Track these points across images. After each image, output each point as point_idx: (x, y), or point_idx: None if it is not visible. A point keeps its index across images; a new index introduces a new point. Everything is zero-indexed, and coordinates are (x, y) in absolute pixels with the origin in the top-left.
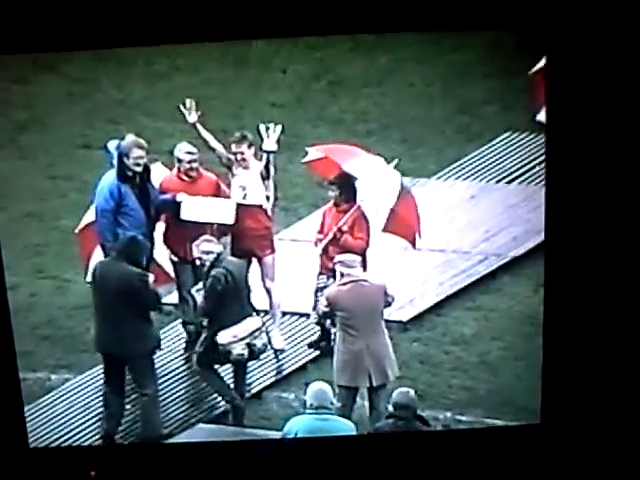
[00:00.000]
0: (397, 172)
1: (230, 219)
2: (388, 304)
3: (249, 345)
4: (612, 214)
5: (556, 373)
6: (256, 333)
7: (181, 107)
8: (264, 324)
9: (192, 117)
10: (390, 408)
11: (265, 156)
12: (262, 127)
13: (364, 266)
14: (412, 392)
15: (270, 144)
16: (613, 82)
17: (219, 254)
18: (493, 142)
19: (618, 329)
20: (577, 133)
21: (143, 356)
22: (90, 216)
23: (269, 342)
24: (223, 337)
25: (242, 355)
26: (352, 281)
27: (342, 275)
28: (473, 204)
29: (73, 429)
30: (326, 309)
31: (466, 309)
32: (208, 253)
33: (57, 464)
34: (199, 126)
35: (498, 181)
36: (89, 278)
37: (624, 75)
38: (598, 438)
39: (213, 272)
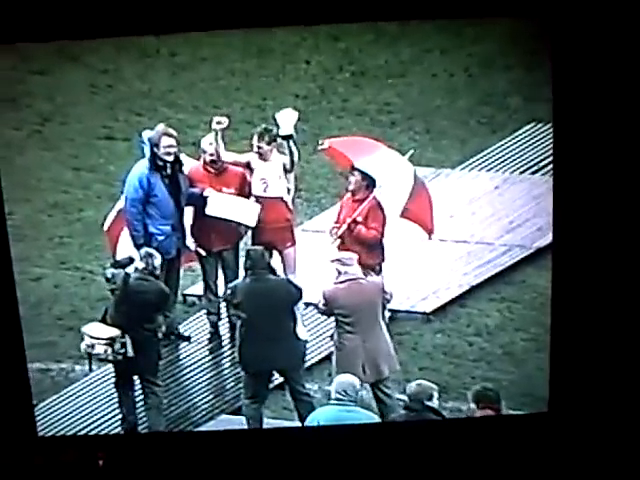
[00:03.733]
0: (410, 165)
1: (252, 222)
2: (387, 302)
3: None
4: (622, 208)
5: (564, 362)
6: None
7: (214, 120)
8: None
9: (218, 125)
10: (406, 399)
11: (286, 144)
12: (277, 115)
13: (382, 255)
14: (425, 383)
15: (286, 129)
16: (622, 74)
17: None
18: (517, 133)
19: (626, 321)
20: (584, 126)
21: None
22: (116, 209)
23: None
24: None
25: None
26: (349, 279)
27: (339, 273)
28: (497, 195)
29: (96, 420)
30: (324, 307)
31: (490, 300)
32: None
33: (66, 453)
34: (219, 135)
35: (522, 172)
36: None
37: (632, 67)
38: (605, 427)
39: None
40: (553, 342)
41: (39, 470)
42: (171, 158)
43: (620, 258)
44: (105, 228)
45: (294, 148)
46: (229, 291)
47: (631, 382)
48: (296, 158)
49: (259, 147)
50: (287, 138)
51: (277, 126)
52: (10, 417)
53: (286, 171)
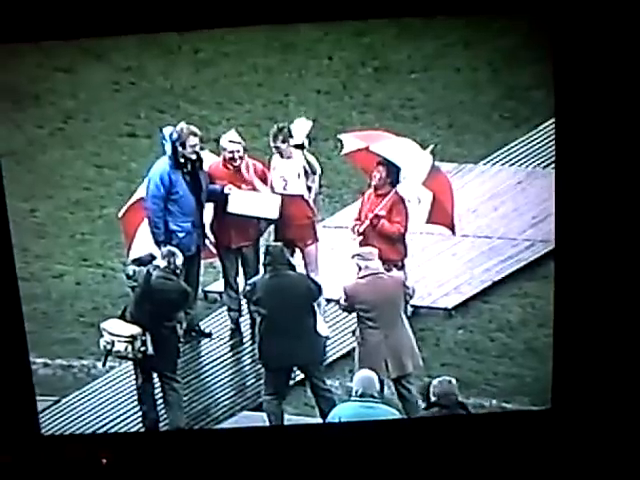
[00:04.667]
0: (429, 154)
1: (275, 214)
2: (409, 297)
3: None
4: (623, 204)
5: (567, 359)
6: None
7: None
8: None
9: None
10: (432, 397)
11: (301, 153)
12: (292, 125)
13: (405, 251)
14: (453, 380)
15: (298, 139)
16: (624, 71)
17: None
18: (540, 127)
19: (629, 318)
20: (587, 124)
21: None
22: (133, 199)
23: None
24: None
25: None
26: (370, 274)
27: (360, 268)
28: (520, 190)
29: (118, 416)
30: (345, 303)
31: (512, 296)
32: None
33: (70, 452)
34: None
35: (545, 167)
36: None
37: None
38: (608, 423)
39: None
40: (556, 339)
41: (43, 469)
42: (195, 157)
43: (622, 256)
44: (120, 215)
45: (311, 158)
46: (248, 287)
47: (634, 378)
48: (317, 168)
49: (277, 147)
50: (299, 147)
51: (290, 135)
52: (13, 416)
53: (307, 173)
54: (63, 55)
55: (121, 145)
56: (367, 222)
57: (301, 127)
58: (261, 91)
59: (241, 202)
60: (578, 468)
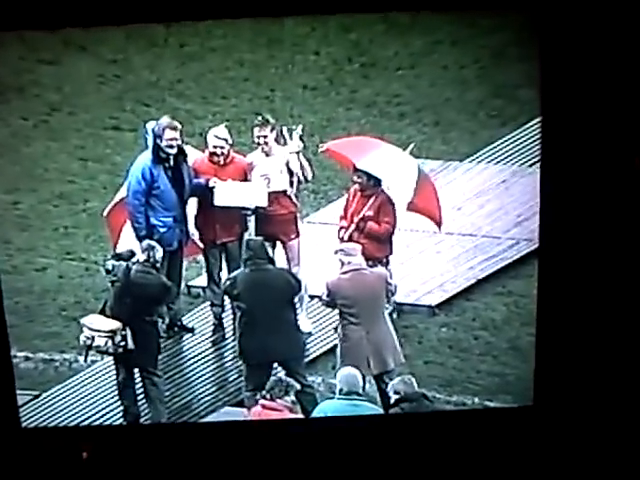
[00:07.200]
0: (413, 159)
1: (264, 202)
2: (391, 293)
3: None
4: (609, 204)
5: (549, 357)
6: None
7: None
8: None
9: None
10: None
11: (294, 156)
12: (284, 129)
13: (390, 249)
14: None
15: (294, 145)
16: (611, 68)
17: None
18: (527, 126)
19: (611, 318)
20: (573, 122)
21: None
22: (118, 197)
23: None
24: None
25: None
26: (353, 270)
27: (343, 263)
28: (505, 188)
29: (100, 410)
30: (327, 298)
31: (496, 294)
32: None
33: (50, 445)
34: None
35: (531, 165)
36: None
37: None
38: (589, 421)
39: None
40: (539, 337)
41: (23, 462)
42: (174, 151)
43: (605, 256)
44: (105, 213)
45: (305, 163)
46: (228, 282)
47: (615, 376)
48: (309, 174)
49: (264, 137)
50: (297, 153)
51: (284, 141)
52: None
53: (290, 172)
54: (48, 47)
55: (106, 138)
56: (353, 226)
57: (294, 133)
58: (247, 86)
59: (228, 193)
60: (559, 465)
